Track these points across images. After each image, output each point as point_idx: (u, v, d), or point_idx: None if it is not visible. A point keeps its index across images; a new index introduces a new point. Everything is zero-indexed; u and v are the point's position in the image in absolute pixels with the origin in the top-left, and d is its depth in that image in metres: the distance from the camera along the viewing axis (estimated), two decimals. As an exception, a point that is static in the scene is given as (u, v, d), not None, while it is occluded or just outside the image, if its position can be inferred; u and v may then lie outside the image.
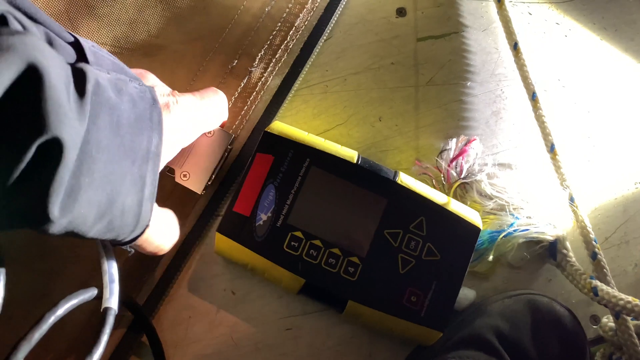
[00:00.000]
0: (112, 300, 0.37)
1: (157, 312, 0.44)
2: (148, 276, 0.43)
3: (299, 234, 0.40)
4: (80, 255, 0.43)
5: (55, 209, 0.26)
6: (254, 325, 0.45)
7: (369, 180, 0.42)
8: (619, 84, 0.55)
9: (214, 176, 0.43)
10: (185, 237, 0.45)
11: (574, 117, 0.53)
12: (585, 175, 0.52)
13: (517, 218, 0.46)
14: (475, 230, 0.43)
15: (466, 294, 0.46)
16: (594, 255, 0.47)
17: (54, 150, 0.24)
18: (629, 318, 0.45)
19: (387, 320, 0.41)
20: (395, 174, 0.43)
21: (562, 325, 0.44)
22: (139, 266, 0.43)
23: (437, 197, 0.43)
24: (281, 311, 0.45)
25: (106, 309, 0.36)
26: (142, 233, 0.34)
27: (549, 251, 0.48)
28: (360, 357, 0.45)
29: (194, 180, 0.42)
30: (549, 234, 0.46)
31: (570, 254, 0.47)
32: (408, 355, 0.45)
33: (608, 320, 0.48)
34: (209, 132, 0.43)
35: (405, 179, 0.43)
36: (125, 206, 0.31)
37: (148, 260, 0.43)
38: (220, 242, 0.41)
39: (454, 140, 0.49)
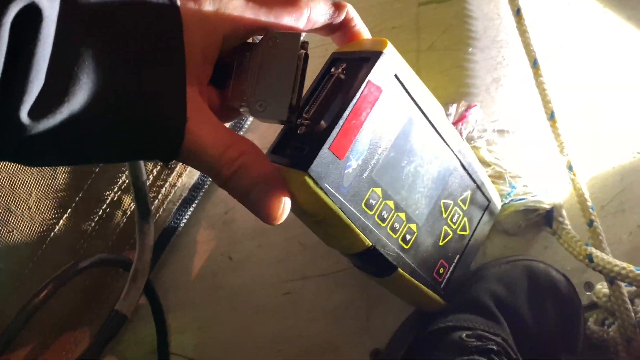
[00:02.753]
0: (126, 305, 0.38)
1: (153, 274, 0.43)
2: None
3: (378, 190, 0.34)
4: (71, 217, 0.42)
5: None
6: (253, 290, 0.45)
7: (449, 147, 0.38)
8: (621, 53, 0.54)
9: (295, 95, 0.31)
10: (180, 201, 0.44)
11: (575, 85, 0.53)
12: (584, 143, 0.52)
13: (513, 187, 0.46)
14: (495, 212, 0.44)
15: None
16: (590, 223, 0.47)
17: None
18: (622, 284, 0.45)
19: (417, 289, 0.39)
20: (464, 141, 0.40)
21: (558, 291, 0.44)
22: (134, 229, 0.43)
23: (482, 172, 0.42)
24: (280, 275, 0.45)
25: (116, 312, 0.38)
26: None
27: (545, 219, 0.48)
28: (358, 321, 0.46)
29: (274, 106, 0.31)
30: (546, 203, 0.47)
31: (566, 221, 0.47)
32: (406, 318, 0.46)
33: (602, 287, 0.48)
34: (269, 39, 0.31)
35: (469, 149, 0.41)
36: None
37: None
38: (304, 187, 0.30)
39: (455, 105, 0.48)
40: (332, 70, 0.33)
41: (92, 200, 0.42)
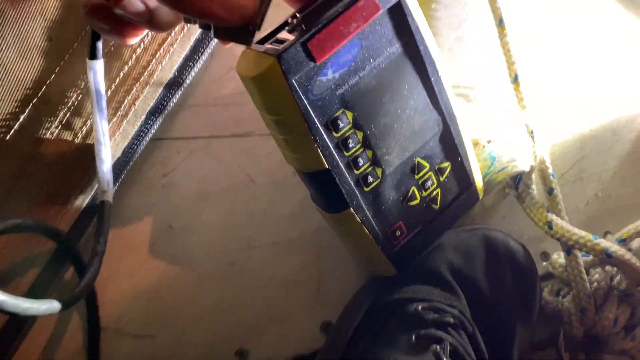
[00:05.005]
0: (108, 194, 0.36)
1: (83, 243, 0.39)
2: (71, 203, 0.38)
3: (350, 114, 0.33)
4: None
5: None
6: (195, 260, 0.42)
7: (438, 102, 0.36)
8: (590, 15, 0.52)
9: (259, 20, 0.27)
10: (114, 162, 0.40)
11: (541, 46, 0.51)
12: (546, 108, 0.50)
13: (493, 157, 0.44)
14: (474, 199, 0.41)
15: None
16: (550, 191, 0.46)
17: None
18: (579, 254, 0.45)
19: (366, 241, 0.37)
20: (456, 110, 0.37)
21: (515, 260, 0.43)
22: (60, 191, 0.38)
23: (470, 151, 0.39)
24: (224, 244, 0.42)
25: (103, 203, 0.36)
26: None
27: (513, 180, 0.46)
28: (310, 290, 0.43)
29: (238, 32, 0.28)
30: (526, 167, 0.45)
31: (533, 186, 0.46)
32: (359, 289, 0.43)
33: (558, 257, 0.48)
34: None
35: (462, 119, 0.38)
36: None
37: (70, 184, 0.38)
38: (271, 73, 0.29)
39: None
40: None
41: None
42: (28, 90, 0.38)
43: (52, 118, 0.38)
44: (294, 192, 0.43)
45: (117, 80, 0.39)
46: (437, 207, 0.39)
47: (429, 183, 0.38)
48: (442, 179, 0.39)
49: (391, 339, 0.37)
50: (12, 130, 0.37)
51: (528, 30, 0.50)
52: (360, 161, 0.34)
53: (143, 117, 0.40)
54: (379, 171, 0.35)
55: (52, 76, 0.38)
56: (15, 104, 0.37)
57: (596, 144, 0.51)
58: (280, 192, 0.43)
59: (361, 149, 0.34)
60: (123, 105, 0.40)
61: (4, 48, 0.36)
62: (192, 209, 0.42)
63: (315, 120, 0.31)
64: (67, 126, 0.38)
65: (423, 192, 0.38)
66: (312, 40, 0.29)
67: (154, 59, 0.40)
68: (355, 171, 0.34)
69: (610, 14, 0.53)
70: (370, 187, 0.35)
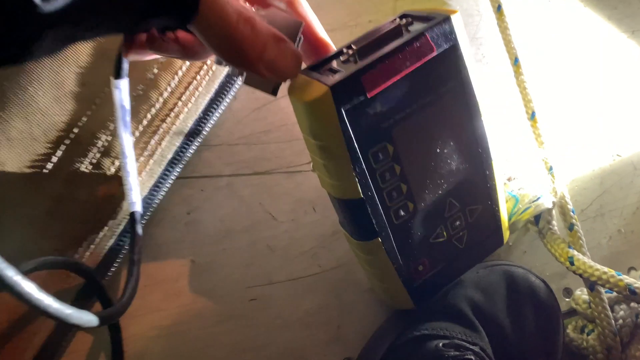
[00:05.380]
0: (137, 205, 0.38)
1: (109, 280, 0.40)
2: (99, 240, 0.39)
3: (390, 148, 0.33)
4: (22, 214, 0.38)
5: None
6: (217, 296, 0.42)
7: (475, 145, 0.36)
8: (601, 52, 0.53)
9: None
10: (143, 198, 0.41)
11: (555, 85, 0.51)
12: (565, 145, 0.50)
13: (516, 197, 0.44)
14: (499, 242, 0.41)
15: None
16: (571, 227, 0.46)
17: None
18: (603, 290, 0.44)
19: (388, 272, 0.37)
20: (493, 158, 0.38)
21: (537, 297, 0.43)
22: (88, 229, 0.39)
23: (501, 196, 0.40)
24: (247, 280, 0.43)
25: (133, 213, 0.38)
26: None
27: (534, 217, 0.46)
28: (330, 328, 0.43)
29: (262, 81, 0.33)
30: (550, 204, 0.45)
31: (554, 222, 0.46)
32: (378, 327, 0.43)
33: (581, 293, 0.47)
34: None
35: (496, 166, 0.38)
36: None
37: (101, 220, 0.39)
38: (323, 101, 0.30)
39: None
40: (396, 20, 0.33)
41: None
42: (61, 132, 0.39)
43: (83, 158, 0.40)
44: (314, 229, 0.44)
45: (145, 121, 0.41)
46: (462, 247, 0.39)
47: (458, 223, 0.38)
48: (470, 221, 0.39)
49: (412, 377, 0.37)
50: (44, 170, 0.39)
51: (543, 67, 0.51)
52: (395, 194, 0.35)
53: (169, 156, 0.42)
54: (410, 206, 0.36)
55: (84, 118, 0.40)
56: (49, 145, 0.39)
57: (617, 179, 0.51)
58: (301, 229, 0.44)
59: (397, 183, 0.35)
60: (149, 146, 0.41)
61: (40, 93, 0.38)
62: (215, 245, 0.42)
63: (358, 150, 0.32)
64: (97, 166, 0.40)
65: (451, 231, 0.38)
66: (366, 74, 0.31)
67: (180, 102, 0.42)
68: (388, 203, 0.35)
69: (627, 50, 0.54)
70: (401, 220, 0.36)
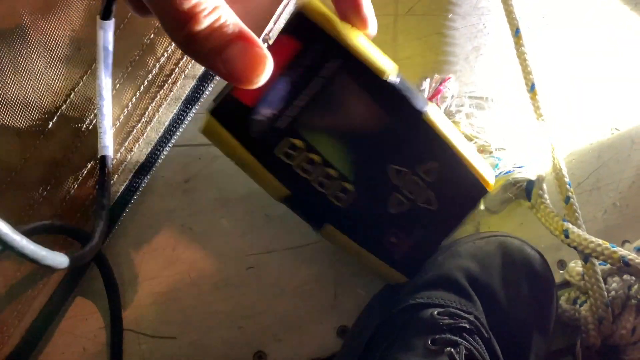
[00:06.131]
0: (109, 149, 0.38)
1: (106, 247, 0.40)
2: (93, 208, 0.39)
3: (299, 142, 0.35)
4: (16, 181, 0.38)
5: None
6: (214, 263, 0.42)
7: (393, 105, 0.36)
8: (603, 24, 0.53)
9: (272, 32, 0.31)
10: (137, 168, 0.41)
11: (556, 56, 0.51)
12: (563, 117, 0.50)
13: (499, 159, 0.44)
14: (482, 191, 0.39)
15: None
16: (567, 200, 0.46)
17: None
18: (597, 262, 0.44)
19: (361, 253, 0.38)
20: (424, 107, 0.37)
21: (531, 268, 0.43)
22: (85, 195, 0.39)
23: (461, 145, 0.38)
24: (244, 249, 0.43)
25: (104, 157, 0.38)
26: None
27: (525, 191, 0.47)
28: (326, 297, 0.44)
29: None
30: (532, 175, 0.45)
31: (546, 195, 0.46)
32: (374, 295, 0.44)
33: (575, 265, 0.47)
34: None
35: (434, 116, 0.37)
36: None
37: (94, 187, 0.39)
38: (210, 127, 0.34)
39: (427, 80, 0.46)
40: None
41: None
42: (56, 97, 0.39)
43: (79, 124, 0.40)
44: (311, 199, 0.44)
45: (142, 87, 0.41)
46: (436, 208, 0.38)
47: (414, 187, 0.37)
48: (431, 180, 0.38)
49: (407, 344, 0.37)
50: (41, 137, 0.39)
51: (545, 42, 0.51)
52: (325, 180, 0.36)
53: (166, 123, 0.41)
54: (348, 186, 0.36)
55: (80, 84, 0.39)
56: (45, 110, 0.39)
57: (614, 152, 0.51)
58: (298, 198, 0.44)
59: (322, 170, 0.36)
60: (147, 112, 0.41)
61: (34, 57, 0.38)
62: (212, 214, 0.42)
63: (265, 154, 0.35)
64: (94, 132, 0.40)
65: (410, 195, 0.37)
66: (237, 90, 0.33)
67: (177, 68, 0.41)
68: (322, 190, 0.36)
69: (630, 23, 0.53)
70: (345, 202, 0.37)
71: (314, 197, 0.36)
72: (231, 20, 0.26)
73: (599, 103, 0.51)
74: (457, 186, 0.38)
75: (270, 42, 0.31)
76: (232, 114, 0.34)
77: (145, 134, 0.41)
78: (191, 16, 0.24)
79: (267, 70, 0.27)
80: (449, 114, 0.45)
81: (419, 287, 0.41)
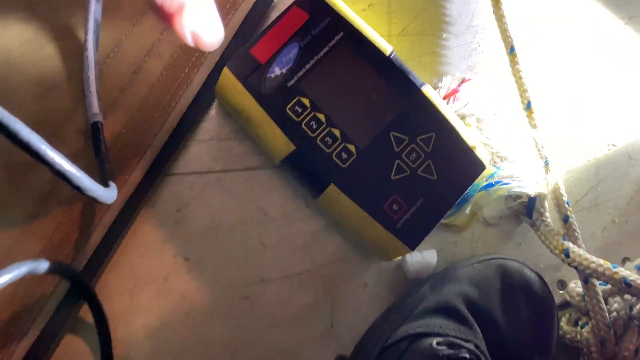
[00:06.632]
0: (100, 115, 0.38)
1: (97, 281, 0.39)
2: (85, 241, 0.38)
3: (306, 101, 0.38)
4: (3, 216, 0.37)
5: None
6: (208, 294, 0.41)
7: (394, 79, 0.40)
8: (598, 39, 0.52)
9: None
10: (129, 197, 0.40)
11: (551, 73, 0.50)
12: (560, 135, 0.50)
13: (498, 169, 0.44)
14: (479, 167, 0.41)
15: (428, 260, 0.44)
16: (565, 219, 0.45)
17: None
18: (597, 283, 0.44)
19: (362, 218, 0.39)
20: (422, 84, 0.41)
21: (531, 291, 0.42)
22: (75, 229, 0.38)
23: (456, 122, 0.41)
24: (238, 278, 0.42)
25: (96, 123, 0.38)
26: None
27: (525, 208, 0.46)
28: (322, 326, 0.43)
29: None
30: (531, 190, 0.44)
31: (547, 213, 0.45)
32: (372, 324, 0.43)
33: (575, 285, 0.47)
34: None
35: (430, 92, 0.41)
36: None
37: (84, 222, 0.38)
38: (226, 79, 0.38)
39: (448, 77, 0.46)
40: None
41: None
42: (46, 129, 0.38)
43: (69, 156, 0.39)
44: (306, 224, 0.43)
45: (135, 117, 0.40)
46: (435, 178, 0.40)
47: (414, 155, 0.40)
48: (429, 150, 0.40)
49: (407, 376, 0.37)
50: (29, 170, 0.38)
51: (538, 57, 0.50)
52: (329, 140, 0.39)
53: (157, 152, 0.41)
54: (351, 148, 0.39)
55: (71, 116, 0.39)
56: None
57: (611, 169, 0.51)
58: (293, 224, 0.43)
59: (327, 129, 0.39)
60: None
61: (24, 90, 0.37)
62: (205, 243, 0.42)
63: (274, 108, 0.38)
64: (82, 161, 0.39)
65: (411, 164, 0.39)
66: (254, 47, 0.38)
67: (169, 95, 0.41)
68: (326, 150, 0.38)
69: (624, 37, 0.53)
70: (348, 163, 0.39)
71: (319, 156, 0.38)
72: None
73: (594, 119, 0.51)
74: (455, 159, 0.40)
75: None
76: (246, 68, 0.38)
77: (138, 164, 0.40)
78: None
79: (220, 35, 0.31)
80: (461, 115, 0.45)
81: (418, 314, 0.40)
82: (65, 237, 0.38)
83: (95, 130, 0.38)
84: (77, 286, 0.37)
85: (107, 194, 0.33)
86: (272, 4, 0.44)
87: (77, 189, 0.30)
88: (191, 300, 0.41)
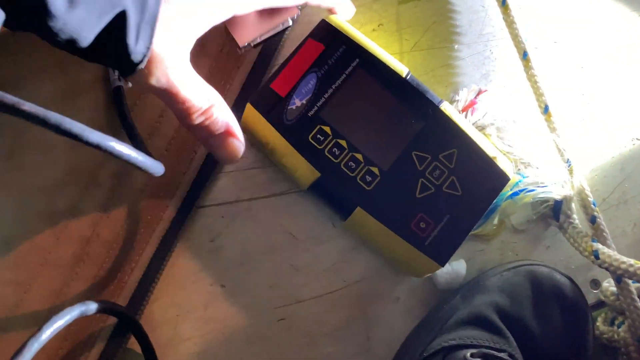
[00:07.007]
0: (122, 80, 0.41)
1: (141, 314, 0.41)
2: (127, 278, 0.41)
3: (327, 129, 0.40)
4: (51, 261, 0.40)
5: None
6: (245, 318, 0.43)
7: (411, 99, 0.41)
8: (612, 36, 0.52)
9: (259, 39, 0.41)
10: (165, 232, 0.42)
11: (567, 74, 0.50)
12: (581, 135, 0.50)
13: (523, 177, 0.44)
14: (503, 178, 0.41)
15: (458, 270, 0.44)
16: (593, 219, 0.45)
17: None
18: (630, 282, 0.44)
19: (390, 238, 0.40)
20: (441, 101, 0.41)
21: (563, 295, 0.42)
22: (117, 267, 0.41)
23: (476, 135, 0.42)
24: (273, 301, 0.43)
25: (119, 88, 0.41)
26: (148, 50, 0.31)
27: (552, 211, 0.46)
28: (358, 341, 0.44)
29: (242, 32, 0.40)
30: (556, 194, 0.44)
31: (574, 215, 0.45)
32: (406, 337, 0.44)
33: (609, 285, 0.47)
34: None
35: (448, 109, 0.41)
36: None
37: (125, 260, 0.41)
38: (250, 114, 0.40)
39: (464, 90, 0.47)
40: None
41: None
42: (82, 176, 0.41)
43: (106, 199, 0.41)
44: (335, 244, 0.45)
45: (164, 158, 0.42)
46: (460, 192, 0.40)
47: (437, 172, 0.40)
48: (452, 166, 0.40)
49: (443, 389, 0.37)
50: (71, 215, 0.40)
51: (554, 59, 0.50)
52: (352, 164, 0.40)
53: (187, 188, 0.43)
54: (375, 170, 0.40)
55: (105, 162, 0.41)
56: (74, 188, 0.40)
57: (638, 164, 0.50)
58: (322, 245, 0.44)
59: (349, 154, 0.40)
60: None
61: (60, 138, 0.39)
62: (239, 269, 0.43)
63: (297, 138, 0.40)
64: (118, 202, 0.41)
65: (435, 181, 0.40)
66: (274, 82, 0.40)
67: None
68: (350, 174, 0.40)
69: (639, 30, 0.52)
70: (372, 185, 0.40)
71: (343, 180, 0.39)
72: (222, 117, 0.36)
73: (615, 115, 0.50)
74: (478, 173, 0.41)
75: (252, 44, 0.41)
76: (268, 102, 0.40)
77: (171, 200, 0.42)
78: (188, 114, 0.35)
79: (239, 154, 0.38)
80: (480, 126, 0.45)
81: (451, 326, 0.41)
82: (108, 275, 0.40)
83: (116, 94, 0.41)
84: (125, 321, 0.39)
85: (156, 165, 0.35)
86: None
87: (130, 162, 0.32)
88: (230, 325, 0.43)
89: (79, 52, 0.30)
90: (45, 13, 0.26)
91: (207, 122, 0.35)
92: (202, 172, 0.43)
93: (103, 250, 0.40)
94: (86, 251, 0.40)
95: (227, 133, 0.37)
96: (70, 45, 0.29)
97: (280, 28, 0.42)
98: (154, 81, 0.32)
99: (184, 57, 0.34)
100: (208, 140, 0.37)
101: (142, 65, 0.31)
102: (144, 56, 0.31)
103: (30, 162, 0.40)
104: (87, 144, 0.28)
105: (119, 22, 0.29)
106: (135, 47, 0.30)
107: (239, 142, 0.37)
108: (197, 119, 0.35)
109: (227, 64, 0.44)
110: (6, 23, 0.27)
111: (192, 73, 0.35)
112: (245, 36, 0.40)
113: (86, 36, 0.29)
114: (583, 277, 0.47)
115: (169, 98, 0.34)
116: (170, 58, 0.32)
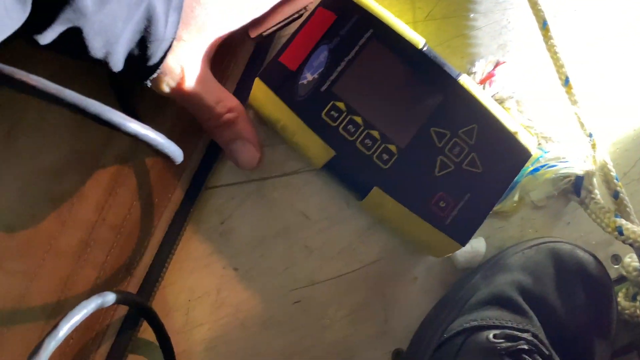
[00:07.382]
0: None
1: (152, 300, 0.40)
2: (137, 263, 0.39)
3: (341, 105, 0.38)
4: (56, 247, 0.38)
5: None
6: (260, 302, 0.42)
7: (429, 72, 0.39)
8: (634, 6, 0.49)
9: (271, 30, 0.38)
10: (174, 215, 0.40)
11: (588, 44, 0.48)
12: (602, 108, 0.48)
13: (544, 152, 0.43)
14: (525, 154, 0.39)
15: (477, 249, 0.43)
16: (616, 194, 0.44)
17: None
18: (654, 257, 0.42)
19: (409, 218, 0.38)
20: (459, 74, 0.39)
21: (586, 272, 0.41)
22: (126, 252, 0.39)
23: (496, 109, 0.39)
24: (288, 284, 0.42)
25: None
26: (167, 52, 0.32)
27: (573, 187, 0.45)
28: (377, 322, 0.43)
29: (253, 22, 0.38)
30: (578, 169, 0.43)
31: (596, 190, 0.44)
32: (425, 317, 0.43)
33: (631, 260, 0.45)
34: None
35: (467, 82, 0.39)
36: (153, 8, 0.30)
37: (134, 245, 0.39)
38: (258, 90, 0.38)
39: (481, 61, 0.45)
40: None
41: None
42: (86, 158, 0.39)
43: (111, 182, 0.39)
44: (349, 224, 0.43)
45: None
46: (481, 170, 0.39)
47: (457, 149, 0.38)
48: (472, 142, 0.39)
49: (465, 371, 0.36)
50: (76, 199, 0.39)
51: (573, 29, 0.48)
52: (368, 142, 0.38)
53: (196, 168, 0.41)
54: (392, 147, 0.38)
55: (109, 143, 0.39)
56: (78, 171, 0.39)
57: (659, 136, 0.49)
58: (336, 226, 0.43)
59: (365, 131, 0.38)
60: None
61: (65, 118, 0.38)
62: (252, 252, 0.42)
63: (309, 115, 0.37)
64: (129, 189, 0.39)
65: (455, 158, 0.38)
66: (282, 55, 0.38)
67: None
68: (366, 152, 0.38)
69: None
70: (389, 164, 0.38)
71: (359, 159, 0.37)
72: (239, 121, 0.37)
73: (635, 87, 0.49)
74: (499, 148, 0.39)
75: (264, 34, 0.38)
76: (278, 77, 0.37)
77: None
78: (208, 117, 0.37)
79: (256, 161, 0.40)
80: (499, 99, 0.44)
81: (471, 306, 0.40)
82: (117, 260, 0.39)
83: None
84: (141, 311, 0.38)
85: (178, 151, 0.34)
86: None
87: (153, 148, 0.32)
88: (245, 309, 0.41)
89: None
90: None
91: (225, 125, 0.36)
92: (210, 151, 0.41)
93: (110, 235, 0.39)
94: (93, 237, 0.39)
95: (246, 139, 0.38)
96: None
97: (293, 17, 0.39)
98: (169, 86, 0.34)
99: (203, 64, 0.35)
100: (228, 145, 0.38)
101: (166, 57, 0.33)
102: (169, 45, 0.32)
103: (31, 144, 0.38)
104: (126, 133, 0.29)
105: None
106: (165, 33, 0.31)
107: (255, 150, 0.39)
108: (217, 120, 0.36)
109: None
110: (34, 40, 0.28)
111: (211, 78, 0.36)
112: (257, 26, 0.38)
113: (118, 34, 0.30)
114: (604, 253, 0.46)
115: (189, 102, 0.35)
116: (189, 63, 0.34)
